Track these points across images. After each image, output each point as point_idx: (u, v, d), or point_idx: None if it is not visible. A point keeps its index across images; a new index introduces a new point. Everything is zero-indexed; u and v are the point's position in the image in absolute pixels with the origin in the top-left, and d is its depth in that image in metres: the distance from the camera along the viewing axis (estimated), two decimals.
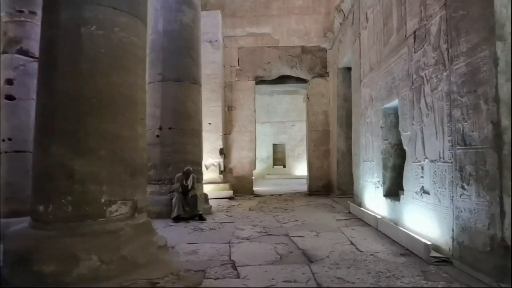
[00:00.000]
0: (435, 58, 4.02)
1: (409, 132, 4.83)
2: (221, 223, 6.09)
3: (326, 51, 11.11)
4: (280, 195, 10.98)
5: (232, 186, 10.50)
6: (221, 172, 10.60)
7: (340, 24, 9.46)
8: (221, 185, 10.18)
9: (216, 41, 10.66)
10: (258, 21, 11.20)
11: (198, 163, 7.14)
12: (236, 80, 11.12)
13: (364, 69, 7.10)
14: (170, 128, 6.83)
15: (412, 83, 4.71)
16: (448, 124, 3.74)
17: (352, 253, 4.07)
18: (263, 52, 11.14)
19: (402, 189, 5.12)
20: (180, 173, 6.30)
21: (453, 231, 3.59)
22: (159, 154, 6.81)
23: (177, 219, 6.10)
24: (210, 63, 10.61)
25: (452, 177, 3.63)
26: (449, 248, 3.65)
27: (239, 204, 8.76)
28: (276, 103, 20.00)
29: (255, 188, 13.43)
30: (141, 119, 3.89)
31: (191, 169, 6.29)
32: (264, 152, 20.11)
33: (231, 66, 11.15)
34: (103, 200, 3.35)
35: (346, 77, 9.98)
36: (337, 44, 10.02)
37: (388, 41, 5.72)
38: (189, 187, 6.29)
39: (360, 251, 4.17)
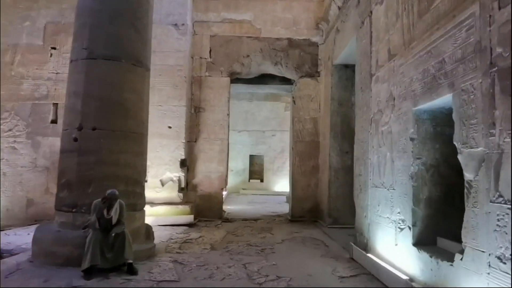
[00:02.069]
0: None
1: (480, 149, 2.80)
2: (159, 281, 3.83)
3: (317, 46, 9.14)
4: (255, 220, 8.78)
5: (194, 208, 8.23)
6: (181, 190, 8.33)
7: (339, 8, 7.50)
8: (180, 207, 7.90)
9: (183, 25, 8.50)
10: (237, 5, 9.13)
11: (137, 182, 4.88)
12: (206, 75, 8.96)
13: (379, 58, 5.10)
14: (94, 129, 4.57)
15: (491, 63, 2.70)
16: None
17: None
18: (241, 43, 9.05)
19: (451, 238, 3.09)
20: (99, 199, 4.02)
21: None
22: (76, 166, 4.52)
23: (89, 273, 3.81)
24: (174, 51, 8.42)
25: None
26: None
27: (200, 236, 6.50)
28: (256, 109, 17.95)
29: (226, 207, 11.24)
30: None
31: (116, 193, 4.02)
32: (240, 164, 17.95)
33: (201, 57, 8.99)
34: None
35: (342, 76, 8.02)
36: (333, 35, 8.06)
37: (428, 7, 3.73)
38: (113, 221, 4.02)
39: None
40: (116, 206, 4.02)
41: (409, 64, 4.11)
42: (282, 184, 17.18)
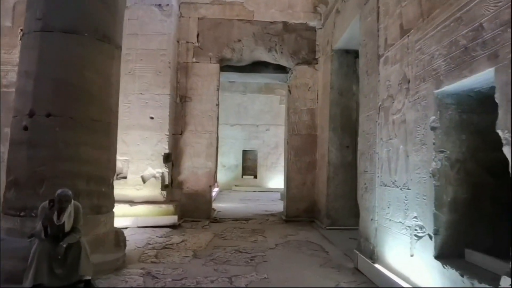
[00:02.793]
0: None
1: None
2: None
3: (315, 30, 8.37)
4: (247, 220, 8.04)
5: (179, 207, 7.47)
6: (165, 187, 7.55)
7: None
8: (163, 206, 7.13)
9: (168, 5, 7.68)
10: None
11: (102, 180, 4.09)
12: (193, 61, 8.16)
13: (388, 36, 4.35)
14: (49, 115, 3.78)
15: None
16: None
17: None
18: (232, 26, 8.26)
19: (481, 250, 2.38)
20: (46, 201, 3.24)
21: None
22: (26, 160, 3.73)
23: None
24: (157, 34, 7.60)
25: None
26: None
27: (183, 240, 5.74)
28: (249, 102, 17.16)
29: (217, 205, 10.52)
30: None
31: (69, 193, 3.22)
32: (232, 160, 17.19)
33: (187, 42, 8.18)
34: None
35: (343, 62, 7.27)
36: (333, 18, 7.30)
37: None
38: (66, 228, 3.24)
39: None
40: (70, 209, 3.24)
41: (429, 38, 3.37)
42: (276, 181, 16.46)
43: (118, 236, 4.41)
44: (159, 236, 6.04)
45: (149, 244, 5.41)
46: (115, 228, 4.48)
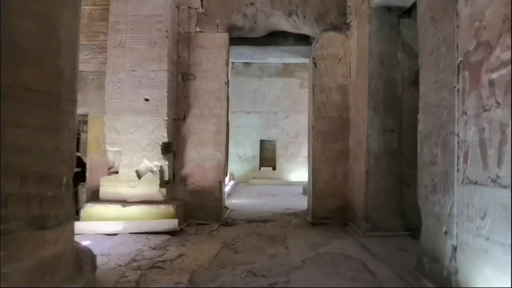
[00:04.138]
0: None
1: None
2: None
3: None
4: (265, 221, 6.64)
5: (182, 208, 6.15)
6: (165, 183, 6.23)
7: None
8: (162, 207, 5.81)
9: None
10: None
11: (49, 179, 2.74)
12: (197, 30, 6.73)
13: None
14: None
15: None
16: None
17: None
18: None
19: None
20: None
21: None
22: None
23: None
24: None
25: None
26: None
27: (181, 254, 4.38)
28: (266, 88, 15.63)
29: (231, 201, 9.21)
30: None
31: None
32: (249, 150, 15.78)
33: (189, 7, 6.74)
34: None
35: (385, 22, 5.69)
36: None
37: None
38: None
39: None
40: None
41: None
42: (297, 173, 14.99)
43: (81, 258, 3.09)
44: (153, 247, 4.72)
45: (135, 260, 4.09)
46: (77, 245, 3.16)
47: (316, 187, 6.49)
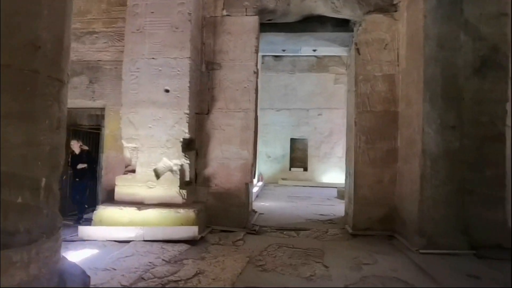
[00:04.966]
0: None
1: None
2: None
3: None
4: (297, 230, 5.83)
5: (203, 212, 5.47)
6: (186, 184, 5.58)
7: None
8: (181, 211, 5.13)
9: None
10: None
11: (18, 181, 2.09)
12: (224, 14, 6.02)
13: None
14: None
15: None
16: None
17: None
18: None
19: None
20: None
21: None
22: None
23: None
24: None
25: None
26: None
27: (199, 272, 3.66)
28: (298, 83, 14.74)
29: (259, 203, 8.52)
30: None
31: None
32: (278, 149, 14.96)
33: None
34: None
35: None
36: None
37: None
38: None
39: None
40: None
41: None
42: (330, 175, 14.03)
43: (65, 282, 2.42)
44: (167, 259, 4.05)
45: (143, 279, 3.42)
46: (63, 264, 2.51)
47: (358, 192, 5.60)
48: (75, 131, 6.87)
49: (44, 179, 2.27)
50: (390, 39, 5.72)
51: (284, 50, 10.05)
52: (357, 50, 5.77)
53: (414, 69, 5.03)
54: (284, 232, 5.66)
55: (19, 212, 2.10)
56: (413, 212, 4.78)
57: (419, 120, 4.75)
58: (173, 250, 4.40)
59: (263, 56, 12.53)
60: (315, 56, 13.99)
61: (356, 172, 5.65)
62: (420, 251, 4.49)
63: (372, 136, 5.62)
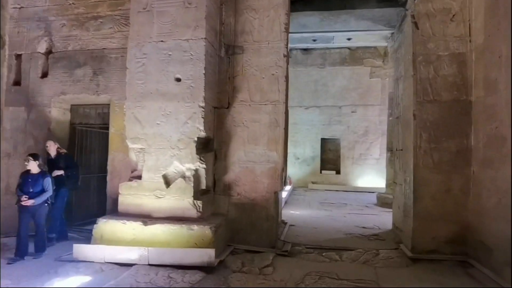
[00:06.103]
0: None
1: None
2: None
3: None
4: (338, 251, 4.68)
5: (223, 228, 4.44)
6: (203, 193, 4.58)
7: None
8: (195, 228, 4.12)
9: None
10: None
11: None
12: None
13: None
14: None
15: None
16: None
17: None
18: None
19: None
20: None
21: None
22: None
23: None
24: None
25: None
26: None
27: None
28: (329, 78, 13.51)
29: (288, 212, 7.50)
30: None
31: None
32: (308, 151, 13.77)
33: None
34: None
35: None
36: None
37: None
38: None
39: None
40: None
41: None
42: (366, 178, 12.73)
43: None
44: None
45: None
46: None
47: (420, 205, 4.38)
48: (81, 131, 6.00)
49: None
50: (458, 8, 4.48)
51: (314, 41, 8.95)
52: (415, 24, 4.55)
53: (497, 44, 3.79)
54: (324, 254, 4.53)
55: None
56: (500, 233, 3.54)
57: (508, 111, 3.52)
58: (182, 282, 3.39)
59: (290, 50, 11.43)
60: (348, 47, 12.77)
61: (415, 179, 4.43)
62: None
63: (437, 133, 4.40)
